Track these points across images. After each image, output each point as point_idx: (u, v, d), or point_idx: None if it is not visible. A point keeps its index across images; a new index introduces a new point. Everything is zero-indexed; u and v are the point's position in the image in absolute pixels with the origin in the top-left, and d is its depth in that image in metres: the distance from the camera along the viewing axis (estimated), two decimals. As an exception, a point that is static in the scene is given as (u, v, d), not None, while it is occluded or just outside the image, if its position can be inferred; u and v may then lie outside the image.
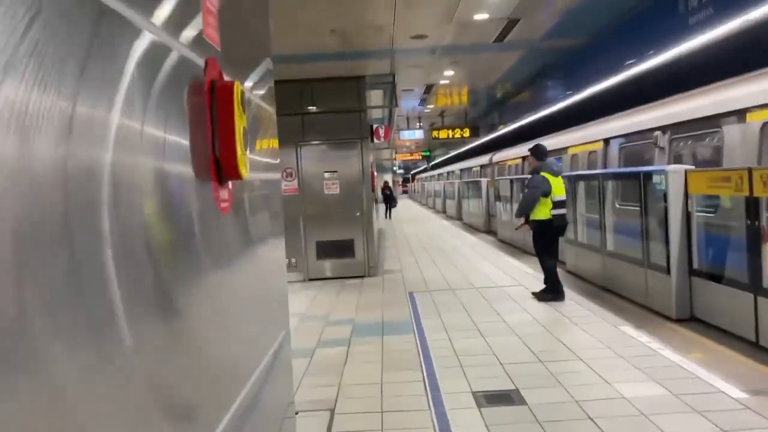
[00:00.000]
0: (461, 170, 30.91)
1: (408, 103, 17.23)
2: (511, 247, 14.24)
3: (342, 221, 10.62)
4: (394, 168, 59.72)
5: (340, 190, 10.60)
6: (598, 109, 12.61)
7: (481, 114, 19.78)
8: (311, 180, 10.61)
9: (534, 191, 7.53)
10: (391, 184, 28.78)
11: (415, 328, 6.65)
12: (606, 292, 8.58)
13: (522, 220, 7.98)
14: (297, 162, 10.60)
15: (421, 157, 33.74)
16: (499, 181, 15.34)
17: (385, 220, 24.89)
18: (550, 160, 7.80)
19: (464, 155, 31.71)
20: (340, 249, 10.65)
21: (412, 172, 77.40)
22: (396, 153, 31.56)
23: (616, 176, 8.98)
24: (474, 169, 26.15)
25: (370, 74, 10.31)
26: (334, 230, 10.61)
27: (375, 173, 12.10)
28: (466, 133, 18.44)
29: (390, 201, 26.47)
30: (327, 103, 10.47)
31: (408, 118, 19.42)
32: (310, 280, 10.61)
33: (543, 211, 7.52)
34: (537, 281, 8.96)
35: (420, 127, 19.46)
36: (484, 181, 18.14)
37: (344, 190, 10.61)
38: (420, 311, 7.53)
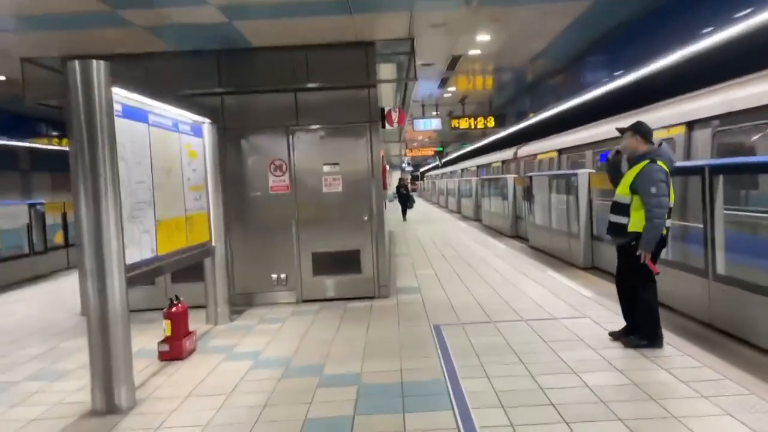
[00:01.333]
0: (478, 167, 28.64)
1: (425, 88, 14.93)
2: (547, 256, 11.92)
3: (345, 227, 8.35)
4: (403, 165, 57.42)
5: (343, 187, 8.33)
6: (660, 90, 10.29)
7: (509, 100, 17.41)
8: (307, 175, 8.34)
9: (661, 192, 5.03)
10: (407, 182, 25.83)
11: (452, 399, 4.37)
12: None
13: (649, 246, 5.15)
14: (288, 152, 8.33)
15: (433, 153, 31.43)
16: (533, 178, 13.03)
17: (396, 221, 22.59)
18: (664, 145, 5.38)
19: (482, 150, 29.40)
20: (343, 262, 8.38)
21: (421, 170, 75.05)
22: (406, 148, 29.26)
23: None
24: (494, 164, 23.91)
25: (382, 39, 8.02)
26: (335, 238, 8.35)
27: (387, 167, 9.82)
28: (491, 122, 16.13)
29: (407, 201, 23.25)
30: (327, 77, 8.20)
31: (423, 105, 17.11)
32: (305, 301, 8.35)
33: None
34: (605, 311, 6.66)
35: (437, 115, 17.16)
36: (509, 177, 15.84)
37: (348, 188, 8.34)
38: (455, 362, 5.25)
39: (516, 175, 15.91)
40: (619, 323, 5.71)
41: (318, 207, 8.36)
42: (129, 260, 4.74)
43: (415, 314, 7.26)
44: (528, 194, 13.83)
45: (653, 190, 5.00)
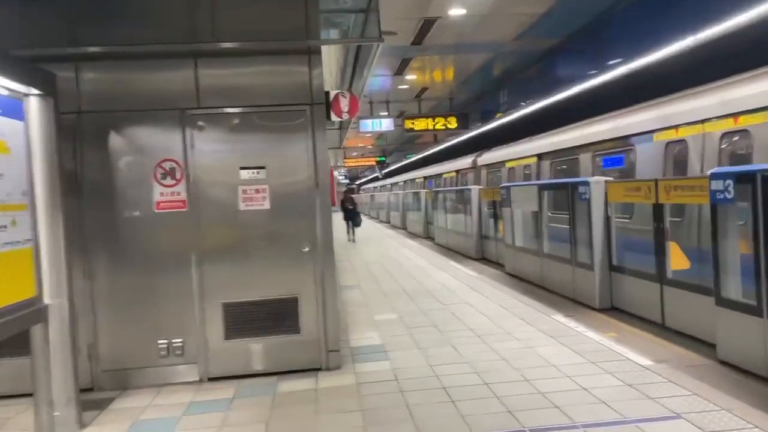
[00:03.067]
0: (425, 178, 26.17)
1: (376, 83, 12.29)
2: (537, 288, 9.38)
3: (275, 263, 5.53)
4: (339, 176, 54.56)
5: (271, 203, 5.51)
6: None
7: (473, 96, 14.89)
8: (214, 185, 5.47)
9: None
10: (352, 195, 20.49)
11: None
12: None
13: None
14: (185, 149, 5.43)
15: (375, 163, 28.75)
16: (511, 190, 10.48)
17: (343, 243, 19.74)
18: None
19: (433, 159, 26.92)
20: (272, 318, 5.53)
21: (357, 182, 72.34)
22: (344, 158, 26.48)
23: None
24: (447, 175, 21.35)
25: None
26: (259, 281, 5.50)
27: (335, 175, 7.04)
28: (452, 122, 13.63)
29: (354, 217, 18.99)
30: (245, 30, 5.40)
31: (372, 103, 14.43)
32: (213, 379, 5.43)
33: None
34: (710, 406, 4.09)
35: (389, 115, 14.50)
36: (474, 190, 13.33)
37: (280, 205, 5.52)
38: None
39: (483, 187, 13.46)
40: None
41: (232, 233, 5.49)
42: None
43: (389, 409, 4.47)
44: (501, 209, 11.34)
45: None
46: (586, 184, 7.44)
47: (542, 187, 9.16)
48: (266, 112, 5.51)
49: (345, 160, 27.04)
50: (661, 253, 6.28)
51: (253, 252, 5.49)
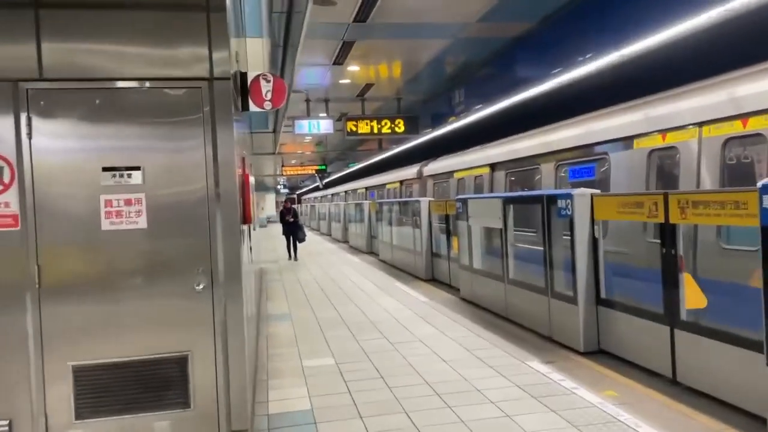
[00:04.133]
0: (367, 188, 24.72)
1: (312, 75, 10.65)
2: (503, 321, 7.94)
3: (154, 307, 3.85)
4: (279, 186, 52.35)
5: (149, 220, 3.81)
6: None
7: (425, 97, 13.36)
8: (61, 194, 3.74)
9: None
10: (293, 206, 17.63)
11: None
12: None
13: None
14: (17, 140, 3.68)
15: (315, 172, 26.97)
16: (468, 203, 9.02)
17: (276, 262, 17.82)
18: None
19: (376, 168, 25.44)
20: (149, 385, 3.83)
21: (298, 192, 70.20)
22: (282, 166, 24.62)
23: None
24: (390, 185, 20.02)
25: None
26: (129, 334, 3.81)
27: (251, 183, 5.36)
28: (400, 126, 12.14)
29: (295, 232, 16.47)
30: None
31: (309, 101, 12.73)
32: (55, 481, 3.67)
33: None
34: None
35: (328, 116, 12.84)
36: (423, 202, 11.86)
37: (161, 222, 3.85)
38: None
39: (432, 199, 12.02)
40: None
41: (90, 264, 3.77)
42: None
43: None
44: (456, 225, 9.89)
45: None
46: (568, 197, 6.04)
47: (508, 201, 7.74)
48: (143, 88, 3.83)
49: (284, 168, 25.15)
50: (671, 286, 4.91)
51: (122, 291, 3.78)
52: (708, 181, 5.42)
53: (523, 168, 9.53)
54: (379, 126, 12.22)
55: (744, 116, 4.99)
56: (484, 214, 8.48)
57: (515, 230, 7.72)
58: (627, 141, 6.60)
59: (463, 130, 13.37)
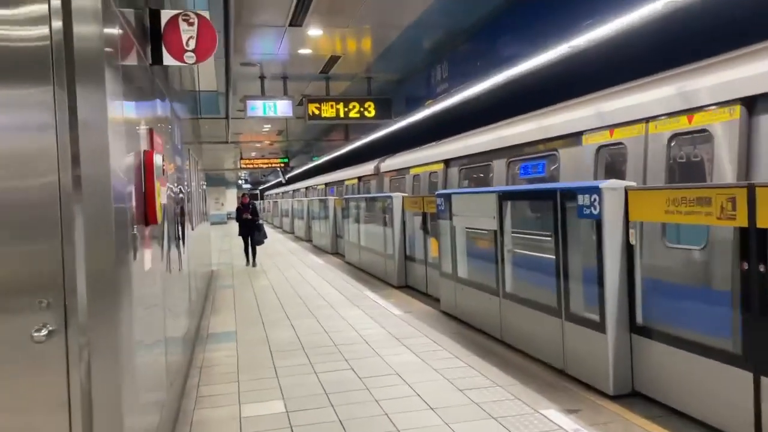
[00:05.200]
0: (327, 185, 23.28)
1: (263, 43, 8.99)
2: (513, 355, 6.51)
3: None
4: (240, 181, 50.25)
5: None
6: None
7: (400, 76, 11.62)
8: None
9: None
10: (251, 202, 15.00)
11: None
12: None
13: None
14: None
15: (279, 165, 25.06)
16: (452, 199, 7.55)
17: (231, 264, 16.04)
18: None
19: (339, 162, 23.88)
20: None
21: (261, 188, 68.01)
22: (241, 158, 22.80)
23: None
24: (349, 182, 18.87)
25: None
26: None
27: (165, 167, 3.78)
28: (370, 110, 10.57)
29: (254, 232, 14.18)
30: None
31: (263, 78, 11.00)
32: None
33: None
34: None
35: (286, 96, 11.11)
36: (396, 198, 10.35)
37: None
38: None
39: (405, 195, 10.51)
40: None
41: None
42: None
43: None
44: (436, 225, 8.42)
45: None
46: (594, 191, 4.60)
47: (506, 196, 6.27)
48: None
49: (242, 161, 23.32)
50: (754, 315, 3.51)
51: None
52: (654, 177, 5.03)
53: (476, 164, 9.22)
54: (346, 109, 10.61)
55: (689, 112, 4.69)
56: (473, 212, 7.01)
57: (515, 233, 6.28)
58: (576, 137, 6.25)
59: (421, 124, 12.58)
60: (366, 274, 12.29)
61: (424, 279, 9.60)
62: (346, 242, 14.94)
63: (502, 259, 6.26)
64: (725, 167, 4.32)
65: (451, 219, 7.68)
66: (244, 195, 14.79)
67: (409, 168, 12.57)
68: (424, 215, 9.38)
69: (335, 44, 9.16)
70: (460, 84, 8.98)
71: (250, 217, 14.26)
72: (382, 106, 10.92)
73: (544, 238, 5.64)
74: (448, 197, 7.79)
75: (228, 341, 6.93)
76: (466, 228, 7.47)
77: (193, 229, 7.97)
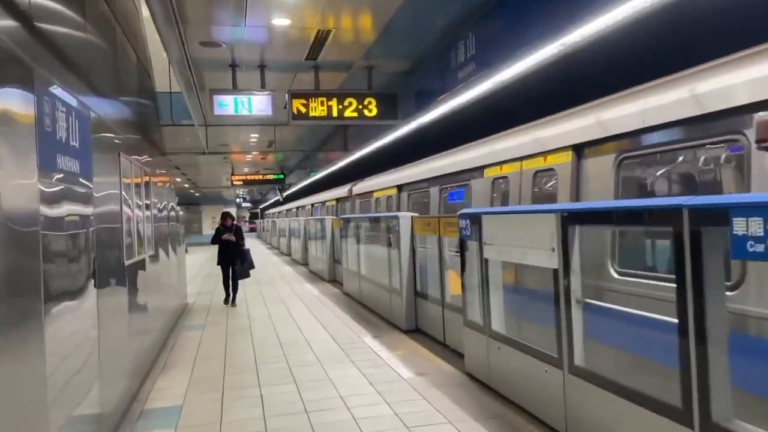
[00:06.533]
0: (313, 205, 22.13)
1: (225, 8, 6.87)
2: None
3: None
4: (238, 200, 48.22)
5: None
6: None
7: (412, 61, 9.24)
8: None
9: None
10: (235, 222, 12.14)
11: None
12: None
13: None
14: None
15: (273, 181, 22.76)
16: (488, 222, 5.43)
17: (218, 305, 13.71)
18: None
19: (321, 184, 22.35)
20: None
21: (261, 207, 65.93)
22: (232, 174, 20.65)
23: None
24: (330, 203, 19.45)
25: None
26: None
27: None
28: (371, 108, 8.44)
29: (235, 261, 11.38)
30: None
31: (236, 66, 8.76)
32: None
33: None
34: None
35: (266, 91, 8.88)
36: (402, 218, 8.22)
37: None
38: None
39: (415, 215, 8.38)
40: None
41: None
42: None
43: None
44: (463, 254, 6.29)
45: None
46: (758, 211, 2.47)
47: (575, 217, 4.11)
48: None
49: (233, 177, 21.10)
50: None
51: None
52: (524, 201, 6.13)
53: (419, 190, 10.14)
54: (341, 107, 8.51)
55: (544, 154, 5.76)
56: (515, 241, 4.88)
57: (594, 275, 4.15)
58: (480, 170, 7.28)
59: (386, 152, 14.32)
60: (367, 311, 10.14)
61: (440, 323, 7.45)
62: (344, 270, 12.80)
63: (568, 315, 4.12)
64: (565, 194, 5.29)
65: (481, 249, 5.55)
66: (226, 215, 11.99)
67: (373, 192, 13.70)
68: (440, 241, 7.26)
69: (323, 13, 6.97)
70: (484, 70, 6.88)
71: (233, 238, 11.41)
72: (385, 103, 8.79)
73: (651, 283, 3.51)
74: (476, 218, 5.66)
75: (165, 427, 4.80)
76: (505, 261, 5.34)
77: (145, 263, 6.11)
